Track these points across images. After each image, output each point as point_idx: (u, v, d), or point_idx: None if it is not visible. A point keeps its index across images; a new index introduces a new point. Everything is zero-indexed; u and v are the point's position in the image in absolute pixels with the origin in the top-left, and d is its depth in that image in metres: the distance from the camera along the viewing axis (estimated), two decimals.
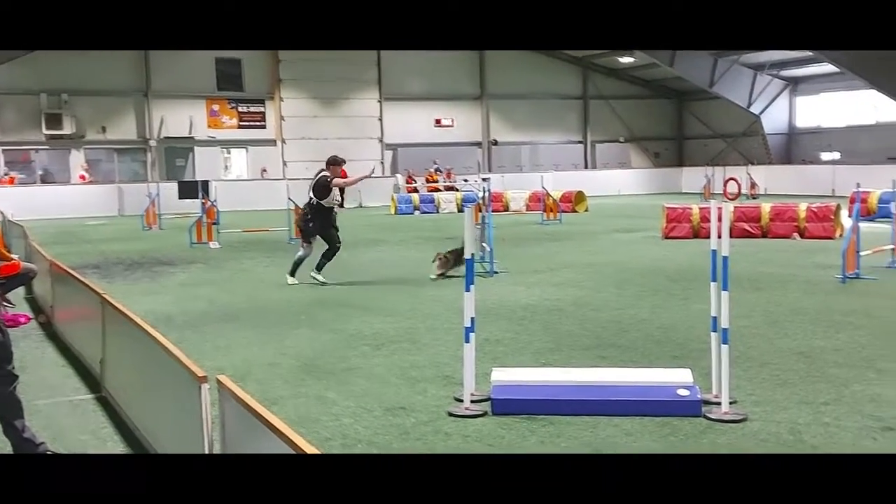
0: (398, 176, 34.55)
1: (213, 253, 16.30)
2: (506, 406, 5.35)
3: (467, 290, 5.49)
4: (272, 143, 35.38)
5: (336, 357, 7.21)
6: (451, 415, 5.39)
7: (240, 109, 34.95)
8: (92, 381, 6.52)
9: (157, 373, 4.44)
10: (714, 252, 5.47)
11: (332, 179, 11.33)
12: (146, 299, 10.44)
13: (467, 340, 5.43)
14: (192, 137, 34.21)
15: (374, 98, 36.59)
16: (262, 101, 35.20)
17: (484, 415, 5.36)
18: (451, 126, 37.84)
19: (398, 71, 36.04)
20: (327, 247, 11.50)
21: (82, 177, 31.89)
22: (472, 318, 5.51)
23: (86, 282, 7.08)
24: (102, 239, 20.03)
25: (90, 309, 6.46)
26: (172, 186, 29.38)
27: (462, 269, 9.76)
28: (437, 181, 33.70)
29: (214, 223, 18.54)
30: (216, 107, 34.59)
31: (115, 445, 5.12)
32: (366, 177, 12.58)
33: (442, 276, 11.47)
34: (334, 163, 11.56)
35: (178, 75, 33.32)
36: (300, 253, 11.64)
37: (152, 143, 33.82)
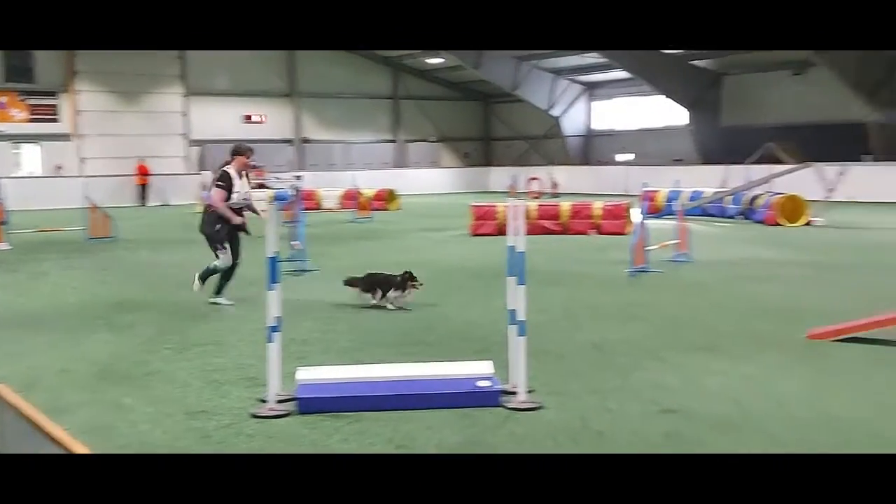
0: (204, 173, 33.54)
1: (1, 255, 15.18)
2: (310, 405, 5.36)
3: (270, 288, 5.45)
4: (67, 137, 33.35)
5: (135, 362, 6.93)
6: (254, 416, 5.33)
7: (31, 102, 32.67)
8: None
9: None
10: (512, 248, 5.71)
11: (239, 173, 9.38)
12: None
13: (271, 340, 5.38)
14: None
15: (178, 93, 35.30)
16: (55, 94, 33.10)
17: (288, 415, 5.34)
18: (262, 123, 37.14)
19: (204, 66, 34.95)
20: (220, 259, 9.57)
21: None
22: (278, 318, 5.47)
23: None
24: None
25: None
26: None
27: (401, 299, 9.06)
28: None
29: (3, 223, 17.27)
30: (4, 99, 32.17)
31: None
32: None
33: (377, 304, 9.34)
34: (237, 152, 9.49)
35: None
36: (217, 263, 9.48)
37: None
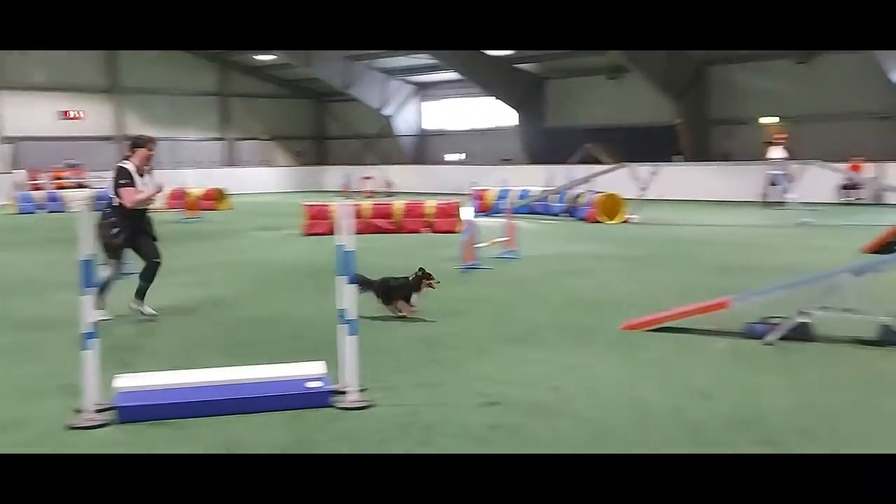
0: (16, 172, 31.54)
1: None
2: (132, 413, 5.18)
3: (84, 292, 5.21)
4: None
5: None
6: (71, 427, 5.10)
7: None
8: None
9: None
10: (340, 247, 5.75)
11: (139, 169, 8.39)
12: None
13: (86, 347, 5.16)
14: None
15: None
16: None
17: (107, 425, 5.14)
18: (81, 119, 35.21)
19: (16, 58, 32.71)
20: (143, 264, 8.64)
21: None
22: (95, 323, 5.26)
23: None
24: None
25: None
26: None
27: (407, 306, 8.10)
28: (65, 178, 31.28)
29: None
30: None
31: None
32: (156, 193, 8.75)
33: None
34: (137, 144, 8.47)
35: None
36: (106, 274, 8.41)
37: None
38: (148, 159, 8.51)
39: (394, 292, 8.38)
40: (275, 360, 6.58)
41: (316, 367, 5.84)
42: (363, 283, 8.30)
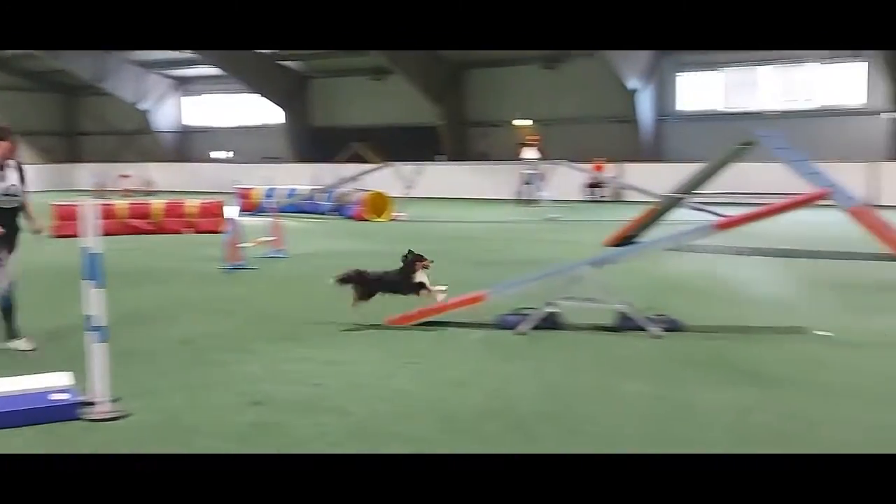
0: None
1: None
2: None
3: None
4: None
5: None
6: None
7: None
8: None
9: None
10: (86, 249, 5.46)
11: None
12: None
13: None
14: None
15: None
16: None
17: None
18: None
19: None
20: None
21: None
22: None
23: None
24: None
25: None
26: None
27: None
28: None
29: None
30: None
31: None
32: None
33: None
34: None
35: None
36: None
37: None
38: (11, 152, 7.30)
39: (381, 285, 7.94)
40: (23, 372, 6.12)
41: (61, 379, 5.53)
42: (348, 280, 7.96)
